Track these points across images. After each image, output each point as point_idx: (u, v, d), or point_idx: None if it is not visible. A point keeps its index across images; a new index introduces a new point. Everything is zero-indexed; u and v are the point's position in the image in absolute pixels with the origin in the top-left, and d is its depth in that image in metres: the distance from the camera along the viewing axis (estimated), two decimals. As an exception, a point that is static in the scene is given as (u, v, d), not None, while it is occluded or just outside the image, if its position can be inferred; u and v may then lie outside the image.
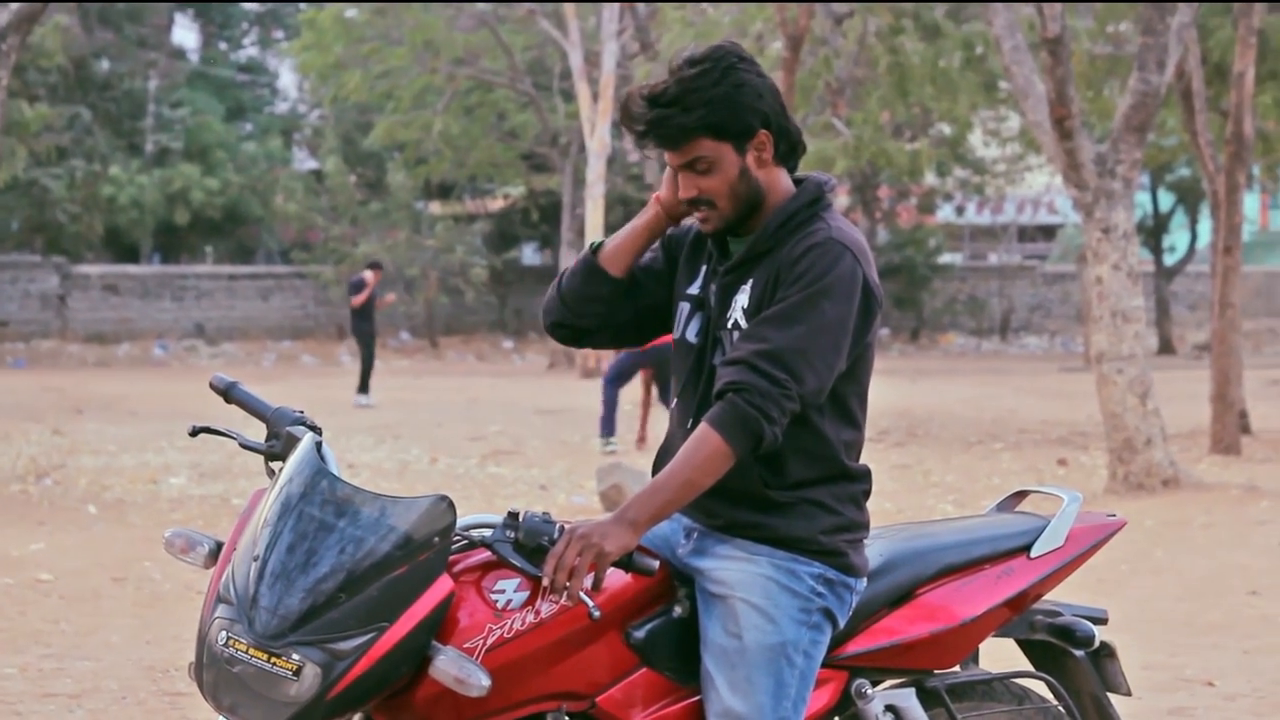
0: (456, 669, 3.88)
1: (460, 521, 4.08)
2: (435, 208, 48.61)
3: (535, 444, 19.96)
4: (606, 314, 4.48)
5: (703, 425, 4.10)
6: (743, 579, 4.24)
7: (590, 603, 3.97)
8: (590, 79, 34.29)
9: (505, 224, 48.66)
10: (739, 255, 4.29)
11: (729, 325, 4.25)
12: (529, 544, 3.99)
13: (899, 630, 4.42)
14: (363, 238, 43.95)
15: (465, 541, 4.11)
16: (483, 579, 4.06)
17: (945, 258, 52.73)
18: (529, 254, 53.93)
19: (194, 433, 4.48)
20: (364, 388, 26.65)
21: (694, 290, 4.39)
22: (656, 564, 4.08)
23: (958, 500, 15.11)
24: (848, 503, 4.31)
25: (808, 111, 26.22)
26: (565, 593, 3.94)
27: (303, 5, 49.54)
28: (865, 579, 4.37)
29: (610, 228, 40.81)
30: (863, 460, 4.36)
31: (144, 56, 48.99)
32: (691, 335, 4.37)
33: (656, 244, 4.50)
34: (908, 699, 4.48)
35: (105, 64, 47.71)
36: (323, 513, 3.97)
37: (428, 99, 40.17)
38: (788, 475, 4.24)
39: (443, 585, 3.96)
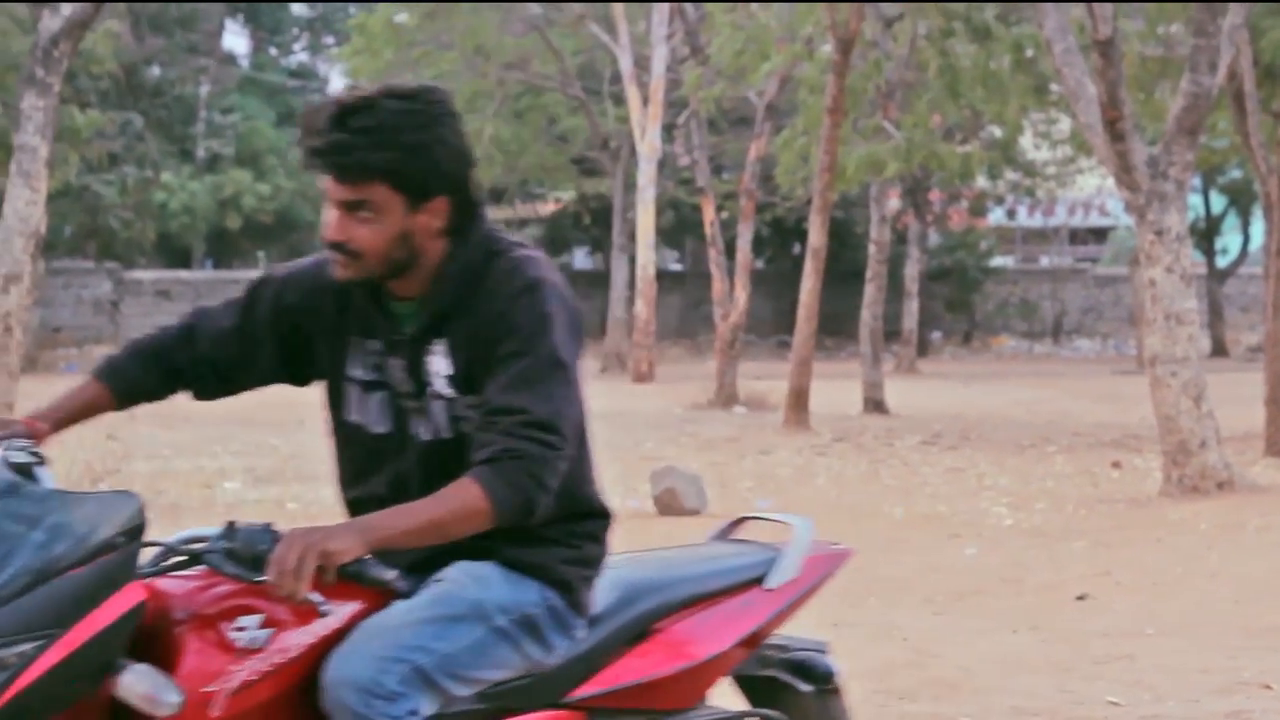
0: (146, 685, 3.52)
1: (179, 535, 3.76)
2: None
3: (587, 448, 19.94)
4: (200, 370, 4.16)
5: (468, 479, 3.70)
6: (460, 573, 3.89)
7: (317, 599, 3.59)
8: (640, 83, 34.31)
9: (556, 228, 48.78)
10: (421, 323, 3.89)
11: (430, 395, 3.88)
12: (245, 554, 3.59)
13: (640, 669, 4.10)
14: (413, 242, 44.10)
15: (182, 558, 3.73)
16: (221, 617, 3.65)
17: (997, 261, 52.68)
18: (580, 258, 54.04)
19: None
20: None
21: (362, 374, 3.96)
22: (394, 573, 3.66)
23: (1011, 503, 15.06)
24: (585, 539, 4.03)
25: (858, 115, 26.15)
26: (291, 593, 3.53)
27: (353, 10, 49.69)
28: (585, 622, 4.05)
29: (661, 231, 40.79)
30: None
31: (195, 63, 49.28)
32: (367, 418, 3.97)
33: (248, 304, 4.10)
34: None
35: (156, 70, 47.96)
36: (4, 523, 3.58)
37: (478, 103, 40.25)
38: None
39: (132, 593, 3.54)
